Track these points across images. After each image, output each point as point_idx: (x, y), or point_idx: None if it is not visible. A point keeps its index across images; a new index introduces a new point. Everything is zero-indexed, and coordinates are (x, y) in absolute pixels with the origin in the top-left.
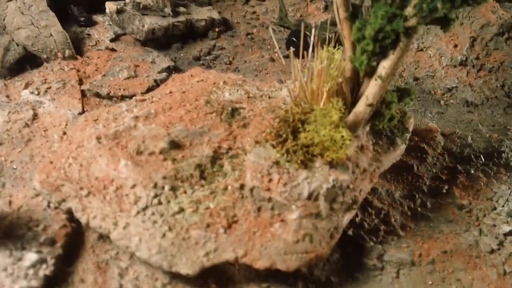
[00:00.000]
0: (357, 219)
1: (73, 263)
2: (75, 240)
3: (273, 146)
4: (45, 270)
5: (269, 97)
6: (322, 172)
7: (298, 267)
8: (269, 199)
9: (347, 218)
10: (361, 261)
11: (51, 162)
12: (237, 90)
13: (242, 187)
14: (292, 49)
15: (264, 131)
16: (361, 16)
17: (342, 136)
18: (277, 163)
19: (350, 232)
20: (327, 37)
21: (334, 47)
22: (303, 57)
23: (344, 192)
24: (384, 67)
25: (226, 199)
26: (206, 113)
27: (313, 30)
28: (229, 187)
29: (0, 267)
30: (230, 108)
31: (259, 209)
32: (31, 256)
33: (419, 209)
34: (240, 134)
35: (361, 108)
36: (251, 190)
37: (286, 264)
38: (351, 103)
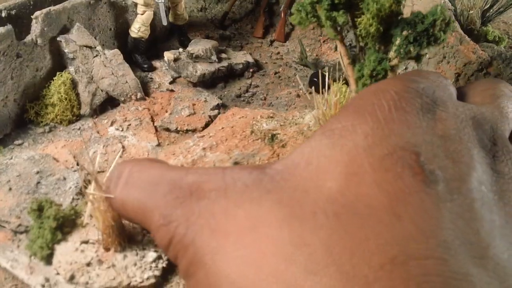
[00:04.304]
0: None
1: None
2: None
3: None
4: (162, 264)
5: (295, 124)
6: None
7: None
8: None
9: None
10: None
11: None
12: (271, 121)
13: None
14: (312, 88)
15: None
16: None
17: None
18: None
19: None
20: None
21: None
22: (322, 93)
23: None
24: None
25: None
26: (253, 140)
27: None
28: None
29: (131, 263)
30: (270, 135)
31: None
32: (152, 254)
33: None
34: (281, 152)
35: None
36: None
37: None
38: None
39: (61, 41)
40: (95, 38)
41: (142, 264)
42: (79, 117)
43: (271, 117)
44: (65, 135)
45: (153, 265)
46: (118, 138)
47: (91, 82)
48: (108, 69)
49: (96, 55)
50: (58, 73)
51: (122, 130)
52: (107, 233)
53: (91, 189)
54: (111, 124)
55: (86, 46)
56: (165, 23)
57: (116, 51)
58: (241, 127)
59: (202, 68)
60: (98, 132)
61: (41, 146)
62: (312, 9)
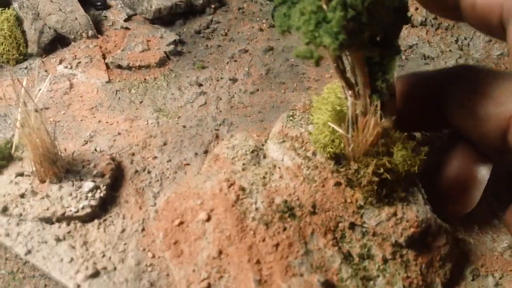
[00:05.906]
0: None
1: (118, 190)
2: (118, 173)
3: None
4: (99, 194)
5: (270, 175)
6: None
7: None
8: None
9: None
10: None
11: None
12: (252, 186)
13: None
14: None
15: (352, 198)
16: None
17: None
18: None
19: None
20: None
21: None
22: None
23: None
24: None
25: None
26: (278, 232)
27: None
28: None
29: (67, 193)
30: (280, 209)
31: None
32: (88, 184)
33: None
34: (329, 218)
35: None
36: None
37: None
38: None
39: None
40: None
41: (78, 194)
42: (26, 56)
43: (243, 189)
44: (12, 74)
45: (90, 195)
46: (67, 76)
47: (37, 19)
48: (55, 5)
49: None
50: (1, 9)
51: (71, 68)
52: (39, 163)
53: (18, 116)
54: (60, 63)
55: None
56: None
57: None
58: (234, 225)
59: (157, 3)
60: (46, 71)
61: None
62: None
